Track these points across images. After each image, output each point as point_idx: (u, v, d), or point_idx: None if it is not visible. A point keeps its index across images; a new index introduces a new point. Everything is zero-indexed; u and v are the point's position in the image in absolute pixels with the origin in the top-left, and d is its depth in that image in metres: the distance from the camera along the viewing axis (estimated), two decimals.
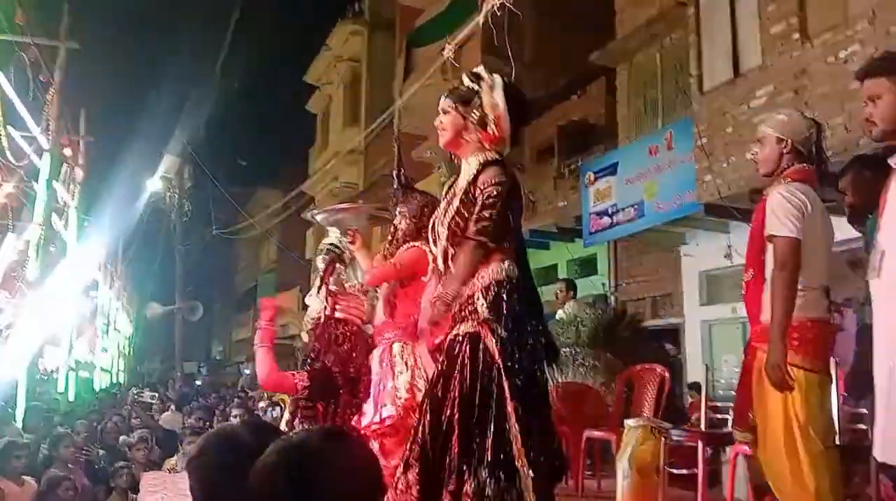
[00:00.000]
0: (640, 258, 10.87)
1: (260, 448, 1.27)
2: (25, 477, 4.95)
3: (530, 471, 2.26)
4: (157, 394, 12.18)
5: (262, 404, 9.48)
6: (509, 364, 2.37)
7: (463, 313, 2.51)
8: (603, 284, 11.15)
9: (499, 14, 6.83)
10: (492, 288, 2.47)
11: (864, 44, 6.69)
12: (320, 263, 3.85)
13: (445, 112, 2.68)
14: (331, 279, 3.94)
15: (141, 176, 19.51)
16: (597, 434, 5.18)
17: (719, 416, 5.47)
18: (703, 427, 4.56)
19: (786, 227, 2.79)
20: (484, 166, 2.56)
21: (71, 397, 12.39)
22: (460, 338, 2.46)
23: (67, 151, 12.10)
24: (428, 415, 2.37)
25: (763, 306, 2.86)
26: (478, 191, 2.52)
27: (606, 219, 10.12)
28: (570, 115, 12.11)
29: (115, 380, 20.50)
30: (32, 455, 5.34)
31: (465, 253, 2.50)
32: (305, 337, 4.41)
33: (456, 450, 2.27)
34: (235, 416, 6.26)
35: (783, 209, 2.82)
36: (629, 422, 4.54)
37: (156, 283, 22.02)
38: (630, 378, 5.33)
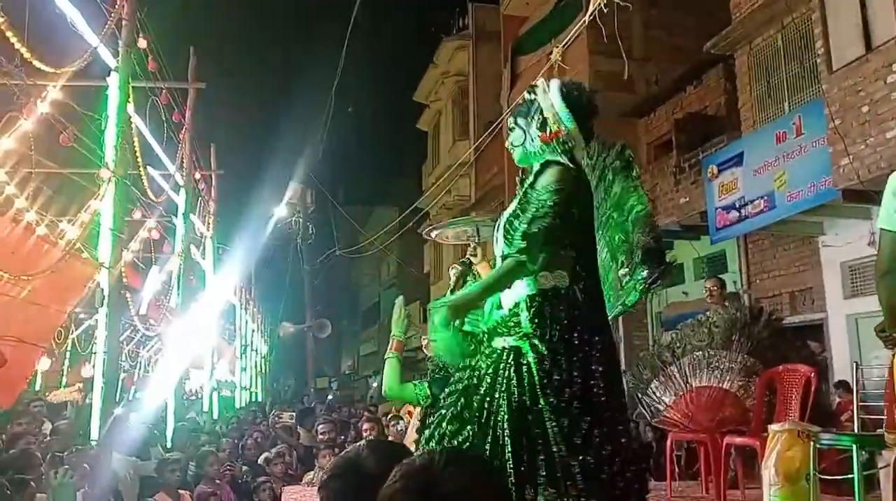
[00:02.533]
0: (773, 251, 10.26)
1: (384, 471, 1.30)
2: (181, 491, 5.28)
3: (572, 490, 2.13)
4: (294, 414, 12.72)
5: (387, 418, 9.65)
6: (546, 381, 2.22)
7: (507, 324, 2.39)
8: (735, 282, 10.61)
9: (605, 11, 6.68)
10: (536, 298, 2.34)
11: None
12: (452, 277, 3.87)
13: (511, 130, 2.64)
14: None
15: (268, 203, 20.58)
16: (738, 440, 4.90)
17: (872, 417, 5.04)
18: (855, 429, 4.22)
19: (883, 219, 2.54)
20: (545, 166, 2.47)
21: (215, 416, 13.14)
22: (504, 352, 2.33)
23: (201, 185, 12.93)
24: (473, 430, 2.26)
25: None
26: (535, 194, 2.41)
27: (734, 214, 9.63)
28: (686, 107, 11.68)
29: (253, 398, 21.59)
30: (182, 473, 5.68)
31: (502, 266, 2.39)
32: (430, 351, 4.44)
33: (510, 471, 2.16)
34: (366, 430, 6.42)
35: (886, 197, 2.56)
36: (774, 427, 4.26)
37: (286, 304, 23.08)
38: (771, 379, 5.01)
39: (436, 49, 21.75)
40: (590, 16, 7.08)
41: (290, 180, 20.08)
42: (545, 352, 2.26)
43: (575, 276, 2.40)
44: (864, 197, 7.66)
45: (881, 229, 2.61)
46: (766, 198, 9.07)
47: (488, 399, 2.29)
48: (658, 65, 12.81)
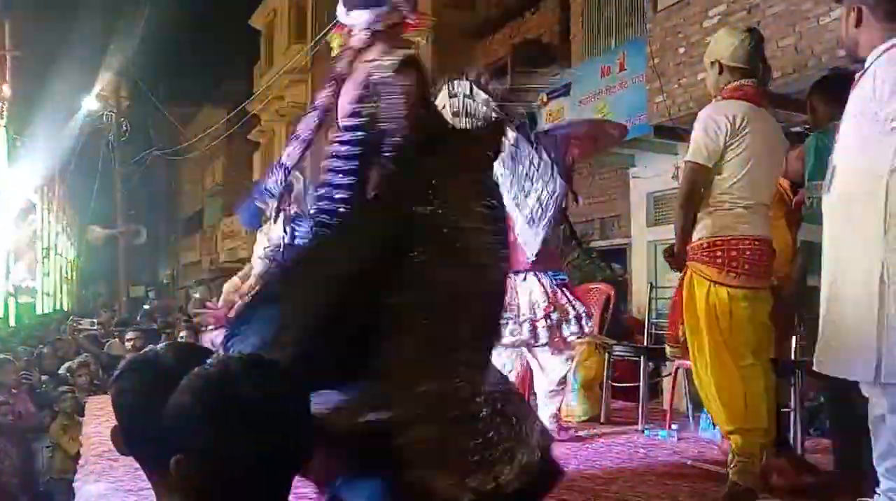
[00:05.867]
0: (590, 180, 10.90)
1: (183, 372, 1.21)
2: None
3: None
4: (95, 321, 11.95)
5: (210, 327, 9.38)
6: None
7: None
8: None
9: None
10: None
11: None
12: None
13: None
14: (290, 206, 3.85)
15: (76, 94, 18.58)
16: None
17: (661, 332, 5.61)
18: (645, 342, 4.69)
19: (690, 152, 2.84)
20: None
21: (11, 322, 12.11)
22: None
23: None
24: None
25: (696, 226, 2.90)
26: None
27: None
28: (524, 33, 11.85)
29: (58, 306, 20.08)
30: None
31: None
32: (259, 266, 4.31)
33: None
34: (182, 338, 6.20)
35: (695, 133, 2.84)
36: None
37: (97, 206, 21.31)
38: (575, 297, 5.40)
39: None
40: None
41: (103, 70, 18.19)
42: None
43: None
44: (673, 133, 8.27)
45: (688, 161, 2.85)
46: None
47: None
48: None
